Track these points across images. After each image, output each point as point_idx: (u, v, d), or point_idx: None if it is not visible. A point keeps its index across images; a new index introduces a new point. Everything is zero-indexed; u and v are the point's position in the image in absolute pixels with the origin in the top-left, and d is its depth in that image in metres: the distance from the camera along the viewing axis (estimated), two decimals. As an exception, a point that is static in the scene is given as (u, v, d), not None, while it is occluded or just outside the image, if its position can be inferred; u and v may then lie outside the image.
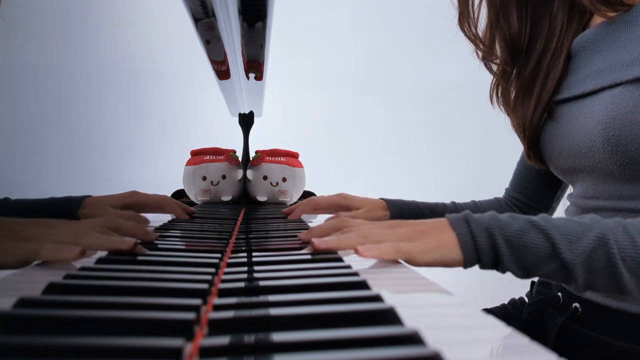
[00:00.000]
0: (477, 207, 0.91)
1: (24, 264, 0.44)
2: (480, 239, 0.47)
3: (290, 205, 0.98)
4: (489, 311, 0.84)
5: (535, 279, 0.83)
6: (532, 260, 0.46)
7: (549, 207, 0.89)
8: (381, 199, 0.88)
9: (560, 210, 0.85)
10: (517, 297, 0.86)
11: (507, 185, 0.94)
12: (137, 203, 0.82)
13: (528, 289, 0.85)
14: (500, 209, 0.90)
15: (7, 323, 0.27)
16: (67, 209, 0.76)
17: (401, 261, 0.48)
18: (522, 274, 0.47)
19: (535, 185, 0.88)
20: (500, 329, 0.30)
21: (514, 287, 0.93)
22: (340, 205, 0.87)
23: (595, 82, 0.62)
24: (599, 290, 0.46)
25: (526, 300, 0.84)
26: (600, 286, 0.46)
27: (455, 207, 0.89)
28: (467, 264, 0.48)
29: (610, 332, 0.63)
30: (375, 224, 0.55)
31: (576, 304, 0.68)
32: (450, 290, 0.38)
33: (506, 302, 0.86)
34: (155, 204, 0.83)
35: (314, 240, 0.51)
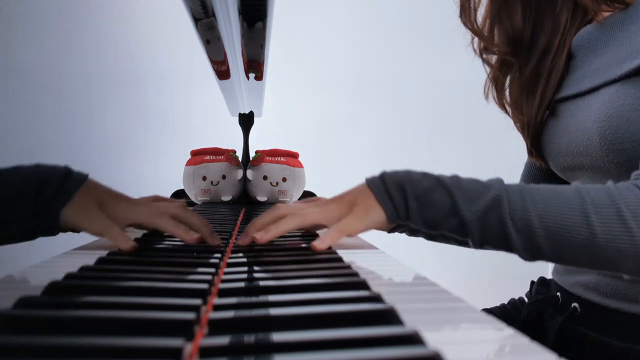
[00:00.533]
0: None
1: (98, 235, 0.51)
2: (395, 194, 0.51)
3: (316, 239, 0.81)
4: (489, 311, 0.84)
5: (535, 279, 0.83)
6: (436, 216, 0.50)
7: None
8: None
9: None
10: (516, 297, 0.86)
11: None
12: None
13: (527, 289, 0.86)
14: None
15: (7, 323, 0.27)
16: None
17: (401, 260, 0.48)
18: (427, 229, 0.51)
19: (543, 182, 0.88)
20: (500, 329, 0.30)
21: (513, 288, 0.94)
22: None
23: (592, 80, 0.63)
24: (493, 247, 0.50)
25: (526, 300, 0.84)
26: (493, 243, 0.49)
27: None
28: (390, 220, 0.51)
29: (609, 332, 0.64)
30: (305, 204, 0.57)
31: (575, 304, 0.68)
32: (451, 290, 0.38)
33: (506, 302, 0.86)
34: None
35: (256, 235, 0.54)
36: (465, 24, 0.75)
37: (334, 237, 0.52)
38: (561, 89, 0.70)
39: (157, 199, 0.70)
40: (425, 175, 0.52)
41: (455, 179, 0.51)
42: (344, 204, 0.54)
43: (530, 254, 0.49)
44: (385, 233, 0.56)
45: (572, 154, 0.66)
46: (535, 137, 0.75)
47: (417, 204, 0.50)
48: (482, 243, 0.50)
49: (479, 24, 0.76)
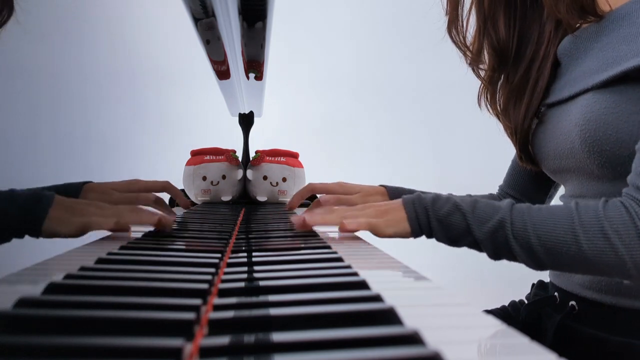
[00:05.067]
0: None
1: (82, 233, 0.58)
2: (421, 217, 0.62)
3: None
4: (489, 312, 0.85)
5: (535, 281, 0.84)
6: (455, 234, 0.60)
7: (542, 203, 0.90)
8: (381, 185, 0.89)
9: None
10: (517, 300, 0.86)
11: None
12: (141, 190, 0.83)
13: (528, 290, 0.86)
14: None
15: (7, 323, 0.27)
16: (68, 195, 0.76)
17: (401, 261, 0.49)
18: (450, 243, 0.62)
19: (528, 183, 0.90)
20: (501, 329, 0.30)
21: (513, 289, 0.94)
22: (336, 191, 0.88)
23: (571, 88, 0.67)
24: (506, 259, 0.59)
25: (526, 302, 0.85)
26: (505, 256, 0.59)
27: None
28: (414, 234, 0.63)
29: (606, 328, 0.65)
30: (350, 207, 0.68)
31: (573, 302, 0.70)
32: (451, 291, 0.38)
33: (506, 304, 0.86)
34: (160, 189, 0.84)
35: (305, 216, 0.65)
36: (451, 37, 0.79)
37: (362, 225, 0.63)
38: (548, 95, 0.74)
39: (137, 181, 0.76)
40: (448, 200, 0.61)
41: (472, 203, 0.60)
42: (380, 211, 0.64)
43: (535, 265, 0.58)
44: None
45: (559, 158, 0.69)
46: (524, 143, 0.77)
47: (438, 225, 0.61)
48: (495, 257, 0.60)
49: (465, 39, 0.79)
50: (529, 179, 0.89)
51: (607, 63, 0.61)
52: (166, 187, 0.84)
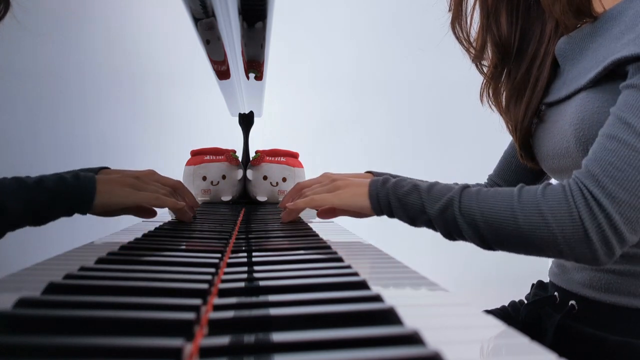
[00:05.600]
0: None
1: (133, 203, 0.65)
2: (381, 194, 0.66)
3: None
4: (489, 312, 0.85)
5: (535, 281, 0.84)
6: (412, 213, 0.64)
7: None
8: (368, 171, 0.89)
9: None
10: (517, 300, 0.86)
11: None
12: (157, 181, 0.83)
13: (528, 291, 0.86)
14: None
15: (7, 323, 0.27)
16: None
17: (401, 261, 0.49)
18: (409, 221, 0.66)
19: (519, 175, 0.90)
20: (501, 329, 0.30)
21: (513, 290, 0.94)
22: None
23: (568, 88, 0.68)
24: (458, 237, 0.63)
25: (525, 302, 0.85)
26: (456, 235, 0.62)
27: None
28: (375, 211, 0.68)
29: (606, 327, 0.65)
30: (317, 185, 0.76)
31: (572, 302, 0.70)
32: (451, 291, 0.38)
33: (506, 304, 0.86)
34: (170, 186, 0.83)
35: (288, 205, 0.76)
36: (455, 33, 0.79)
37: (300, 204, 0.73)
38: (548, 94, 0.74)
39: (152, 173, 0.77)
40: (408, 182, 0.66)
41: (430, 185, 0.64)
42: (341, 183, 0.71)
43: (481, 242, 0.61)
44: (388, 234, 0.62)
45: (557, 157, 0.70)
46: (524, 141, 0.78)
47: (397, 203, 0.65)
48: (448, 234, 0.63)
49: (468, 35, 0.79)
50: (520, 172, 0.90)
51: (599, 62, 0.62)
52: (177, 186, 0.84)
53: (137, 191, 0.66)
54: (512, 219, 0.57)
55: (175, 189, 0.83)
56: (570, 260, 0.57)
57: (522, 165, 0.85)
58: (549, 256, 0.58)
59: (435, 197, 0.62)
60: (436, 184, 0.65)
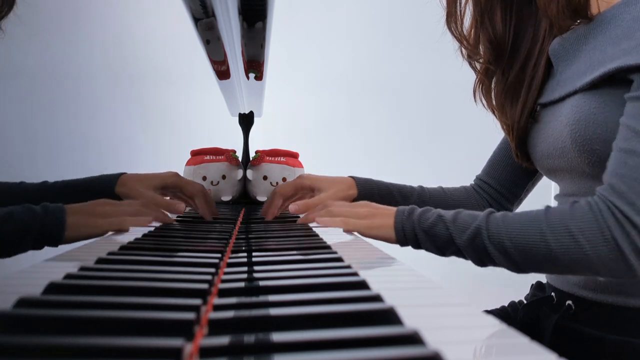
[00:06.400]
0: (444, 193, 0.92)
1: (103, 233, 0.63)
2: (407, 227, 0.66)
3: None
4: (488, 313, 0.85)
5: (534, 282, 0.84)
6: (440, 244, 0.64)
7: (517, 197, 0.91)
8: (350, 176, 0.88)
9: (527, 203, 0.87)
10: (516, 300, 0.86)
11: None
12: (174, 186, 0.83)
13: (527, 291, 0.86)
14: (467, 196, 0.93)
15: (7, 323, 0.27)
16: (105, 187, 0.81)
17: (400, 261, 0.49)
18: (437, 252, 0.65)
19: (509, 173, 0.90)
20: (500, 329, 0.30)
21: (513, 290, 0.94)
22: (304, 187, 0.86)
23: (562, 89, 0.68)
24: (490, 264, 0.62)
25: (525, 302, 0.85)
26: (486, 261, 0.62)
27: (422, 192, 0.90)
28: (399, 242, 0.67)
29: (603, 327, 0.66)
30: (343, 204, 0.76)
31: (569, 302, 0.70)
32: (451, 291, 0.38)
33: (506, 305, 0.86)
34: (189, 193, 0.82)
35: (292, 207, 0.78)
36: (450, 30, 0.78)
37: (336, 223, 0.70)
38: (542, 94, 0.74)
39: (174, 176, 0.83)
40: (432, 213, 0.65)
41: (455, 213, 0.64)
42: (369, 212, 0.70)
43: (514, 268, 0.60)
44: None
45: (552, 157, 0.70)
46: (520, 140, 0.78)
47: (424, 235, 0.65)
48: (480, 262, 0.63)
49: (464, 31, 0.79)
50: (510, 171, 0.89)
51: (594, 65, 0.62)
52: (194, 194, 0.81)
53: (106, 219, 0.65)
54: (542, 243, 0.56)
55: (192, 198, 0.82)
56: (607, 277, 0.57)
57: (515, 164, 0.85)
58: (583, 275, 0.59)
59: (461, 226, 0.62)
60: (460, 212, 0.64)
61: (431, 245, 0.65)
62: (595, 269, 0.55)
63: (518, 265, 0.59)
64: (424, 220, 0.65)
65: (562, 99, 0.68)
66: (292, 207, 0.80)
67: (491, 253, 0.60)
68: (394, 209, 0.69)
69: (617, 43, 0.60)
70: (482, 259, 0.62)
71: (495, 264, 0.61)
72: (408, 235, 0.66)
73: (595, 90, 0.62)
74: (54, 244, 0.61)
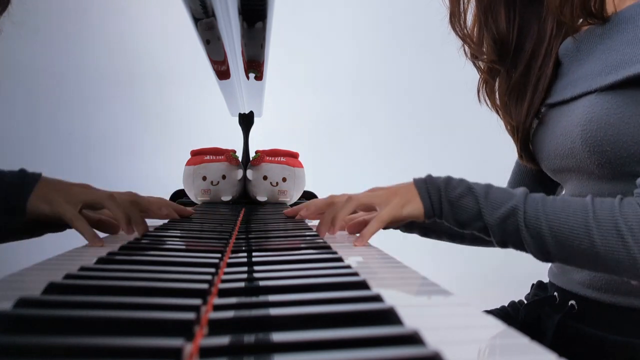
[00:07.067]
0: None
1: (64, 219, 0.58)
2: (433, 196, 0.61)
3: (291, 205, 0.94)
4: (489, 313, 0.85)
5: (534, 281, 0.84)
6: (465, 218, 0.60)
7: None
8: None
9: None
10: (516, 300, 0.86)
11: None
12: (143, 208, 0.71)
13: (528, 291, 0.86)
14: None
15: (7, 323, 0.27)
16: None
17: (401, 261, 0.49)
18: (458, 226, 0.61)
19: (532, 183, 0.89)
20: (501, 329, 0.30)
21: (513, 290, 0.94)
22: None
23: (574, 89, 0.67)
24: (512, 247, 0.59)
25: (525, 302, 0.85)
26: (512, 245, 0.59)
27: None
28: (427, 215, 0.62)
29: (606, 327, 0.65)
30: (358, 196, 0.67)
31: (572, 302, 0.70)
32: (451, 291, 0.38)
33: (506, 305, 0.86)
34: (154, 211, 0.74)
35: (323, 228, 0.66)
36: (454, 29, 0.78)
37: (375, 227, 0.63)
38: (550, 94, 0.73)
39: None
40: (461, 182, 0.61)
41: (485, 187, 0.60)
42: (390, 193, 0.64)
43: (543, 256, 0.57)
44: (387, 233, 0.64)
45: (560, 157, 0.69)
46: (525, 141, 0.77)
47: (449, 206, 0.60)
48: (502, 244, 0.60)
49: (467, 30, 0.78)
50: (533, 179, 0.89)
51: (611, 66, 0.61)
52: (148, 208, 0.71)
53: (68, 205, 0.59)
54: (586, 238, 0.53)
55: (147, 210, 0.71)
56: None
57: (535, 173, 0.84)
58: (622, 276, 0.55)
59: (494, 203, 0.58)
60: (491, 186, 0.60)
61: (452, 219, 0.61)
62: (638, 273, 0.52)
63: (550, 254, 0.56)
64: (450, 189, 0.60)
65: (573, 98, 0.67)
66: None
67: (523, 237, 0.56)
68: (407, 183, 0.64)
69: (636, 44, 0.59)
70: (507, 241, 0.58)
71: (520, 248, 0.58)
72: (435, 205, 0.61)
73: (611, 92, 0.60)
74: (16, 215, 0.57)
